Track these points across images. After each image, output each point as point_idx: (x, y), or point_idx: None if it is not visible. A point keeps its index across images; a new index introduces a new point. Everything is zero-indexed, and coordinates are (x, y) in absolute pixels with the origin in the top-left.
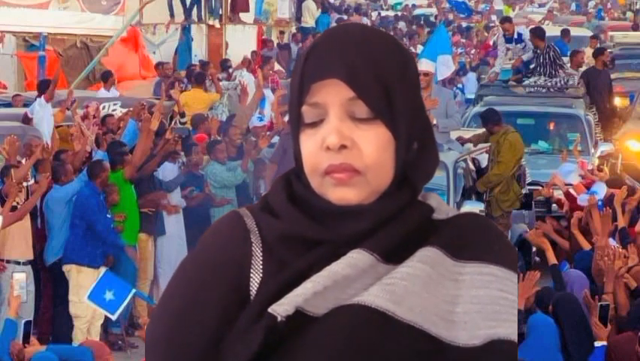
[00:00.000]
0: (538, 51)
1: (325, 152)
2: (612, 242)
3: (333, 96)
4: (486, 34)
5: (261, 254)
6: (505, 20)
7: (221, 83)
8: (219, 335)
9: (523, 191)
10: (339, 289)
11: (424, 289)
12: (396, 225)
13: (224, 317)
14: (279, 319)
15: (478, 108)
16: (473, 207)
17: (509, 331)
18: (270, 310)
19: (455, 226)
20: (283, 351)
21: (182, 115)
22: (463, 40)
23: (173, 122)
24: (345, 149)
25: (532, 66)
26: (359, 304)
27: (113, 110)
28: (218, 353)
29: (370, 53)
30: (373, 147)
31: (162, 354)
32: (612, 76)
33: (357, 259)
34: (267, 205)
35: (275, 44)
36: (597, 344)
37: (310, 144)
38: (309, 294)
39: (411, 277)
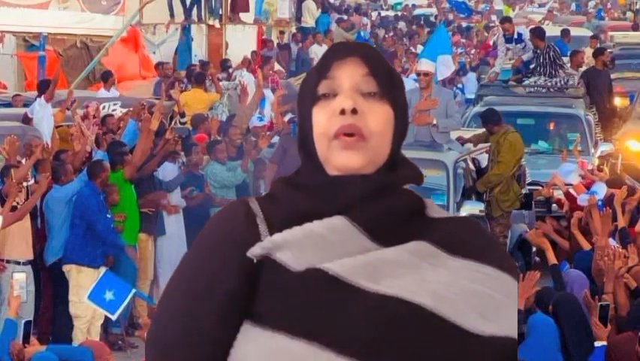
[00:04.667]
0: (538, 51)
1: (337, 117)
2: (612, 242)
3: (349, 73)
4: (486, 34)
5: (268, 234)
6: (505, 20)
7: (221, 83)
8: (230, 309)
9: (523, 191)
10: (318, 248)
11: (406, 275)
12: (382, 201)
13: (234, 295)
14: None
15: (478, 108)
16: (473, 207)
17: (492, 329)
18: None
19: (451, 226)
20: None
21: (182, 115)
22: (463, 41)
23: (173, 122)
24: (356, 114)
25: (532, 66)
26: (331, 275)
27: (113, 110)
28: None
29: (376, 49)
30: (379, 117)
31: (175, 325)
32: (612, 76)
33: (333, 223)
34: (270, 196)
35: (275, 44)
36: (597, 344)
37: (323, 113)
38: (279, 240)
39: (394, 264)
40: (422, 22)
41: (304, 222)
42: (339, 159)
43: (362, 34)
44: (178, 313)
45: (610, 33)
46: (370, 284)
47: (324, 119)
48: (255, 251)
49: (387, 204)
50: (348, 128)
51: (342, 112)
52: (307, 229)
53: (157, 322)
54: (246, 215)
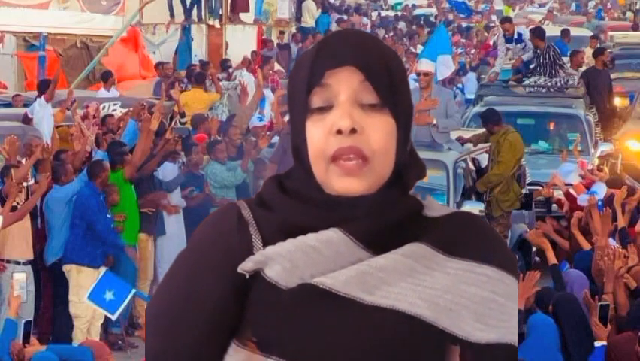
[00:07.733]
0: (538, 51)
1: (334, 136)
2: (612, 242)
3: (344, 83)
4: (486, 34)
5: (261, 246)
6: (505, 20)
7: (221, 83)
8: (217, 326)
9: (523, 191)
10: (311, 262)
11: (401, 280)
12: (382, 214)
13: (222, 312)
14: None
15: (478, 108)
16: (473, 207)
17: (492, 336)
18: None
19: (449, 225)
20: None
21: (182, 115)
22: (463, 41)
23: (173, 122)
24: (355, 133)
25: (532, 66)
26: (324, 289)
27: (113, 110)
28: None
29: (379, 46)
30: (381, 133)
31: (159, 337)
32: (612, 76)
33: (328, 236)
34: (262, 202)
35: (275, 44)
36: (597, 344)
37: (318, 130)
38: (271, 253)
39: (388, 269)
40: (422, 22)
41: (298, 234)
42: (339, 186)
43: None
44: (162, 325)
45: (610, 33)
46: (365, 295)
47: (319, 138)
48: (246, 266)
49: (387, 219)
50: (348, 151)
51: (340, 132)
52: (300, 242)
53: (147, 329)
54: (238, 223)
